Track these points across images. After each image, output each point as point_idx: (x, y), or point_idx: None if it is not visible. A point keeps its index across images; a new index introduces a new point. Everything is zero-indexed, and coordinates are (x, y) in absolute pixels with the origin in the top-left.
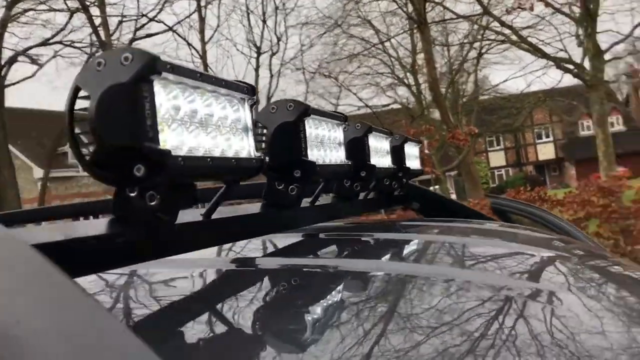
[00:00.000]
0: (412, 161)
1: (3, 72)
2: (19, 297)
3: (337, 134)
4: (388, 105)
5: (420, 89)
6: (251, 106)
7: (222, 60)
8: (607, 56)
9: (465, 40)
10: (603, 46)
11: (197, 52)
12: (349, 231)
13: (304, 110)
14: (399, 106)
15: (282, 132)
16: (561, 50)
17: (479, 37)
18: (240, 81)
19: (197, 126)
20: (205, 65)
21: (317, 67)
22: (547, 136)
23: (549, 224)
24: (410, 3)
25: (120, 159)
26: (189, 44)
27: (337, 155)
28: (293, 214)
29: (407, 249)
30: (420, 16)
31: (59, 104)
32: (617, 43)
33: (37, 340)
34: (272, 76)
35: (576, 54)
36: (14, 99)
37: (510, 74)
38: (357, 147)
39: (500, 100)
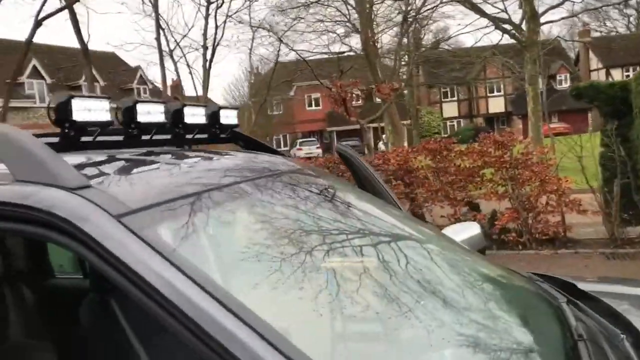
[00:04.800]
0: (229, 119)
1: None
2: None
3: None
4: (344, 52)
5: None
6: None
7: (172, 9)
8: (543, 19)
9: None
10: (541, 9)
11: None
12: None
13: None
14: (353, 54)
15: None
16: (502, 11)
17: None
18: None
19: None
20: (157, 14)
21: (261, 19)
22: (499, 90)
23: (354, 166)
24: None
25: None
26: None
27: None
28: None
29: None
30: None
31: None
32: (552, 7)
33: None
34: (217, 27)
35: (517, 15)
36: None
37: (457, 30)
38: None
39: (446, 54)
